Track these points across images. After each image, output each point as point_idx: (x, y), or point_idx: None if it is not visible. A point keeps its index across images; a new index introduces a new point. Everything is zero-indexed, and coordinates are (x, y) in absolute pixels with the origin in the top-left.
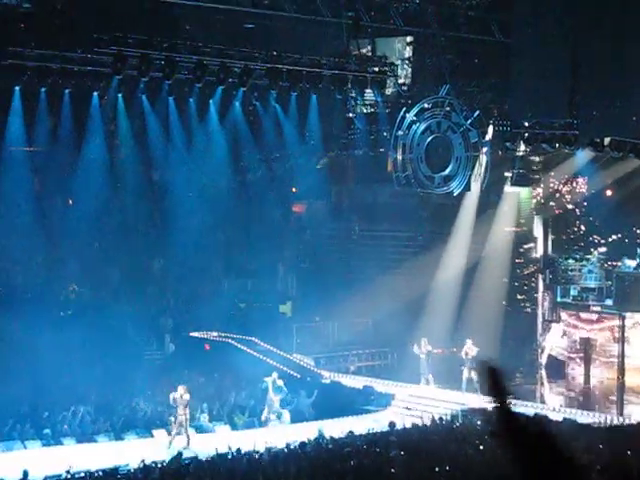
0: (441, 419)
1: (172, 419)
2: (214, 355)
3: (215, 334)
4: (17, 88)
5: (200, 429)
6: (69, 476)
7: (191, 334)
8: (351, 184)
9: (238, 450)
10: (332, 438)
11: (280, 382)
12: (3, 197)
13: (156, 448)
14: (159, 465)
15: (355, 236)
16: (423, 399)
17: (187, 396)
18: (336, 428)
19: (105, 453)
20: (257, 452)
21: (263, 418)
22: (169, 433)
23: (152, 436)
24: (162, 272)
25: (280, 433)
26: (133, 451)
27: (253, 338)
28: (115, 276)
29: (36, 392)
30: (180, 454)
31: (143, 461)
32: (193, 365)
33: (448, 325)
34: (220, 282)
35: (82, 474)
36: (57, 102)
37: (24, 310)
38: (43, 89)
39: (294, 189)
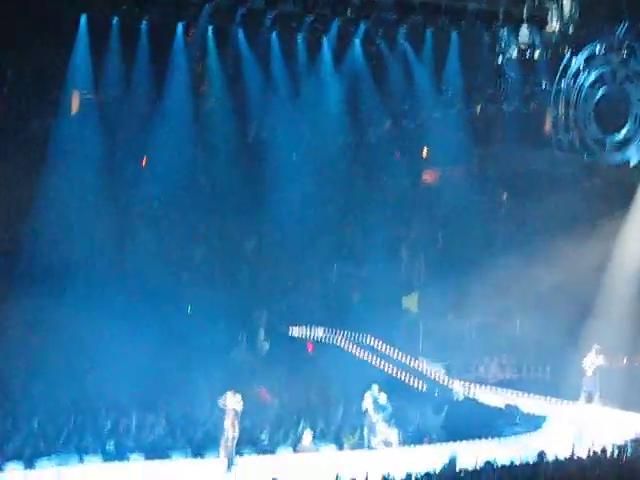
0: (604, 450)
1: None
2: (319, 358)
3: (321, 332)
4: (83, 17)
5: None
6: None
7: (291, 330)
8: (498, 147)
9: None
10: (466, 469)
11: (383, 397)
12: (64, 155)
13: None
14: None
15: (501, 213)
16: (583, 423)
17: (238, 406)
18: (470, 455)
19: (181, 473)
20: None
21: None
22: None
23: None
24: (256, 253)
25: (399, 459)
26: (216, 472)
27: (368, 338)
28: (197, 256)
29: (95, 395)
30: None
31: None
32: (292, 369)
33: (625, 330)
34: (328, 267)
35: None
36: (132, 36)
37: (82, 294)
38: (115, 19)
39: (425, 152)
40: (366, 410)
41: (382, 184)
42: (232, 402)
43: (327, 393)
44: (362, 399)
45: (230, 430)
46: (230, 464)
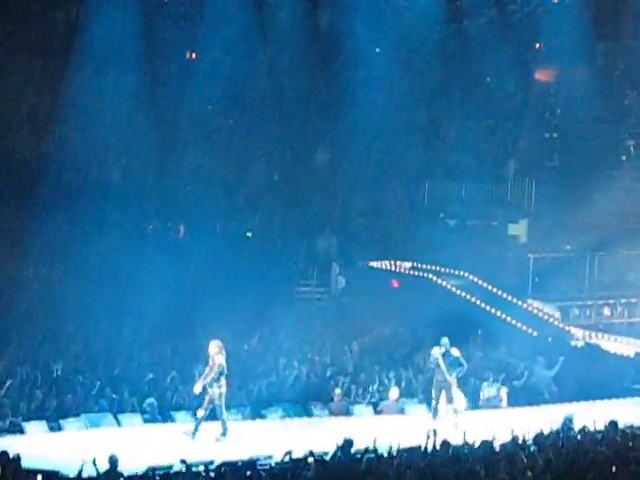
0: None
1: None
2: (406, 296)
3: (408, 265)
4: None
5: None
6: (184, 469)
7: (371, 263)
8: (628, 39)
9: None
10: (585, 430)
11: (456, 352)
12: (100, 48)
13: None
14: (316, 458)
15: (629, 122)
16: None
17: (220, 358)
18: (591, 416)
19: (236, 436)
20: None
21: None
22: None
23: (308, 414)
24: (330, 168)
25: (504, 421)
26: (277, 433)
27: (466, 273)
28: (259, 172)
29: (133, 340)
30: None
31: (289, 453)
32: (374, 309)
33: None
34: (417, 185)
35: (202, 467)
36: None
37: (118, 221)
38: None
39: (538, 45)
40: (435, 367)
41: (484, 84)
42: (214, 353)
43: (416, 338)
44: (431, 354)
45: (216, 388)
46: (224, 431)
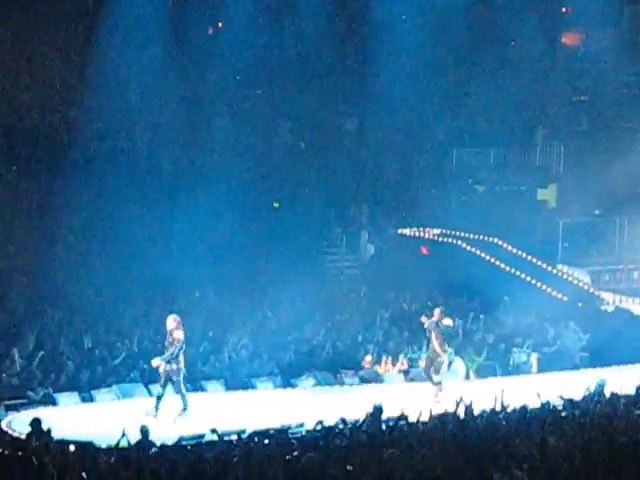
0: None
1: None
2: (435, 262)
3: (437, 231)
4: None
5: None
6: (215, 438)
7: (400, 231)
8: None
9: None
10: (616, 394)
11: (448, 321)
12: (126, 18)
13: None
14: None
15: None
16: None
17: (179, 333)
18: (621, 382)
19: (268, 405)
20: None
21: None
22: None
23: (339, 382)
24: (357, 136)
25: (535, 387)
26: (308, 402)
27: (495, 239)
28: (285, 139)
29: (163, 313)
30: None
31: (321, 422)
32: (403, 277)
33: None
34: (445, 152)
35: (234, 436)
36: None
37: (147, 192)
38: None
39: (565, 9)
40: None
41: (509, 48)
42: (172, 328)
43: (446, 305)
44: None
45: (174, 364)
46: (184, 406)
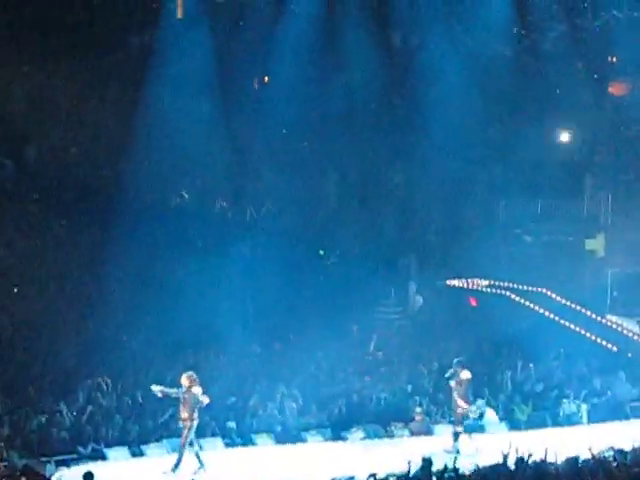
0: None
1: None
2: (484, 314)
3: (485, 282)
4: None
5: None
6: None
7: (449, 282)
8: None
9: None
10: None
11: (466, 374)
12: (174, 72)
13: None
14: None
15: None
16: None
17: (197, 390)
18: None
19: (318, 458)
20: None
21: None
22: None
23: (389, 435)
24: (406, 187)
25: (587, 438)
26: (358, 455)
27: (543, 289)
28: (331, 190)
29: (214, 366)
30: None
31: (374, 475)
32: (451, 329)
33: None
34: (493, 202)
35: None
36: None
37: (196, 244)
38: None
39: (612, 59)
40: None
41: (555, 96)
42: (188, 385)
43: (495, 356)
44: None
45: (187, 419)
46: (199, 465)
